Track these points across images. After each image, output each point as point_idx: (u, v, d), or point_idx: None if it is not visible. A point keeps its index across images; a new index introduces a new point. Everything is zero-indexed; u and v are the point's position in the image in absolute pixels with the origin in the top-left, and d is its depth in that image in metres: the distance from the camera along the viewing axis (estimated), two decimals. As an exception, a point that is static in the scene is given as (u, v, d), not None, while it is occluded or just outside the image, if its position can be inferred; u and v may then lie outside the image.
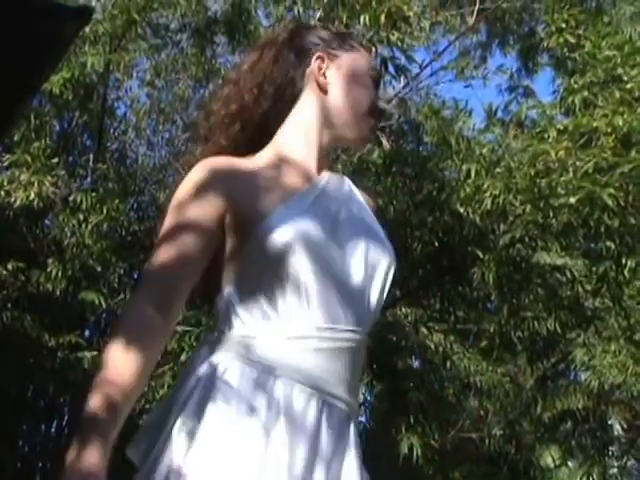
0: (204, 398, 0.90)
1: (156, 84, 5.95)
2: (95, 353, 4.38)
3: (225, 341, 0.94)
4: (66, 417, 5.07)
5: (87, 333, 5.06)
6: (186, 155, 1.10)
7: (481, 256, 4.36)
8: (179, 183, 0.99)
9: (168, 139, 6.12)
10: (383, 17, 4.08)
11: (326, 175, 1.04)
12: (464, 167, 4.48)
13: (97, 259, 4.41)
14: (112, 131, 5.85)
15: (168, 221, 0.96)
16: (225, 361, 0.92)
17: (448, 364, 4.94)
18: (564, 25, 4.49)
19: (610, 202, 3.58)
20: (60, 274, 4.29)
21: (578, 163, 3.79)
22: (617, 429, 7.17)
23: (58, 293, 4.35)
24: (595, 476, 6.49)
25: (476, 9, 5.15)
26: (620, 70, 4.08)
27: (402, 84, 4.90)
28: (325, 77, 1.05)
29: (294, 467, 0.87)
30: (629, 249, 4.19)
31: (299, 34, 1.09)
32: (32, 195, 4.16)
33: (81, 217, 4.45)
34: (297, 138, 1.05)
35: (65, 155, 5.26)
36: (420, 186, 4.67)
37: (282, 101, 1.05)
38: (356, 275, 0.98)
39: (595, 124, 3.83)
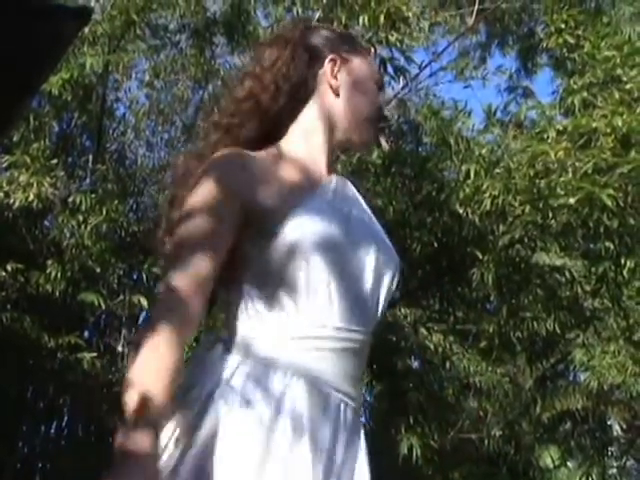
0: (223, 400, 0.89)
1: (155, 85, 5.95)
2: (94, 354, 4.39)
3: (240, 341, 0.94)
4: (65, 418, 5.07)
5: (86, 334, 5.06)
6: (200, 141, 1.08)
7: (480, 257, 4.36)
8: (197, 175, 0.98)
9: (167, 140, 6.12)
10: (382, 18, 4.09)
11: (334, 176, 1.06)
12: (463, 168, 4.48)
13: (96, 260, 4.41)
14: (111, 132, 5.84)
15: (190, 218, 0.94)
16: (242, 362, 0.92)
17: (447, 364, 4.94)
18: (563, 25, 4.49)
19: (609, 203, 3.58)
20: (59, 275, 4.29)
21: (577, 164, 3.79)
22: (616, 429, 7.17)
23: (57, 294, 4.35)
24: (594, 476, 6.50)
25: (475, 9, 5.16)
26: (619, 71, 4.09)
27: (401, 85, 4.91)
28: (337, 80, 1.07)
29: (318, 467, 0.88)
30: (628, 249, 4.20)
31: (312, 34, 1.10)
32: (31, 196, 4.16)
33: (80, 218, 4.44)
34: (309, 138, 1.06)
35: (64, 156, 5.26)
36: (419, 187, 4.67)
37: (294, 100, 1.06)
38: (368, 277, 0.99)
39: (594, 125, 3.84)
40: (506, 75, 6.59)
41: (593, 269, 4.47)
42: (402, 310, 4.47)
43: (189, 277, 0.90)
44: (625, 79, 4.04)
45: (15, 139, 4.52)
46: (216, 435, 0.87)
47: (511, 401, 5.70)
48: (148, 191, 5.64)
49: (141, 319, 5.28)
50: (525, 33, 6.54)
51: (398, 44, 4.27)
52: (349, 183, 1.09)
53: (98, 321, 5.19)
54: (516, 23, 6.59)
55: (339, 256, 0.96)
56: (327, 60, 1.07)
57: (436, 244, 4.62)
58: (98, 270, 4.44)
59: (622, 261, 4.26)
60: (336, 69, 1.07)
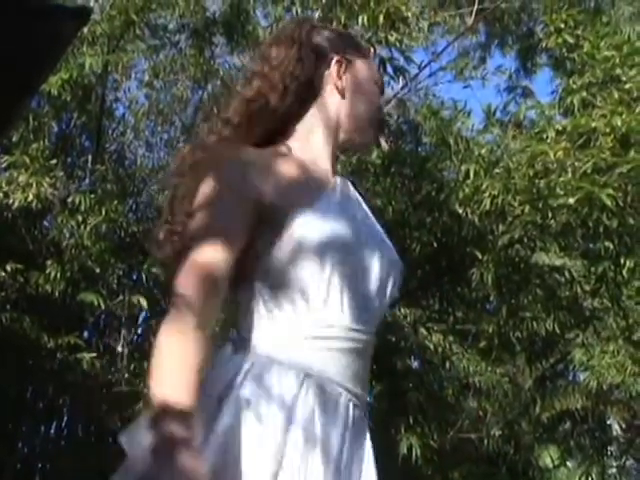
0: (234, 404, 0.89)
1: (154, 85, 5.95)
2: (94, 354, 4.38)
3: (250, 341, 0.94)
4: (65, 418, 5.06)
5: (86, 334, 5.05)
6: (210, 135, 1.06)
7: (480, 257, 4.36)
8: (209, 170, 0.98)
9: (167, 140, 6.12)
10: (381, 18, 4.09)
11: (337, 177, 1.07)
12: (463, 167, 4.48)
13: (96, 260, 4.41)
14: (110, 132, 5.84)
15: (203, 218, 0.94)
16: (253, 363, 0.91)
17: (447, 364, 4.94)
18: (563, 25, 4.49)
19: (609, 202, 3.58)
20: (59, 275, 4.28)
21: (577, 163, 3.79)
22: (616, 429, 7.17)
23: (57, 294, 4.35)
24: (594, 476, 6.50)
25: (475, 9, 5.16)
26: (619, 70, 4.09)
27: (401, 85, 4.91)
28: (342, 81, 1.08)
29: (329, 466, 0.88)
30: (628, 249, 4.20)
31: (318, 35, 1.10)
32: (30, 196, 4.15)
33: (80, 218, 4.44)
34: (315, 138, 1.07)
35: (63, 156, 5.26)
36: (419, 186, 4.67)
37: (300, 100, 1.06)
38: (374, 277, 1.00)
39: (594, 124, 3.84)
40: (505, 75, 6.59)
41: (592, 269, 4.47)
42: (402, 310, 4.47)
43: (205, 277, 0.89)
44: (624, 79, 4.04)
45: (14, 139, 4.52)
46: (228, 443, 0.86)
47: (511, 401, 5.70)
48: (147, 191, 5.64)
49: (141, 319, 5.29)
50: (524, 33, 6.54)
51: (397, 44, 4.27)
52: (350, 184, 1.10)
53: (98, 321, 5.19)
54: (515, 23, 6.59)
55: (348, 257, 0.96)
56: (333, 61, 1.08)
57: (435, 244, 4.62)
58: (97, 270, 4.44)
59: (621, 261, 4.26)
60: (342, 70, 1.08)
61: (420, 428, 4.39)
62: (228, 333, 0.98)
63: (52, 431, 5.07)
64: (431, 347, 4.60)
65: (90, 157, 5.23)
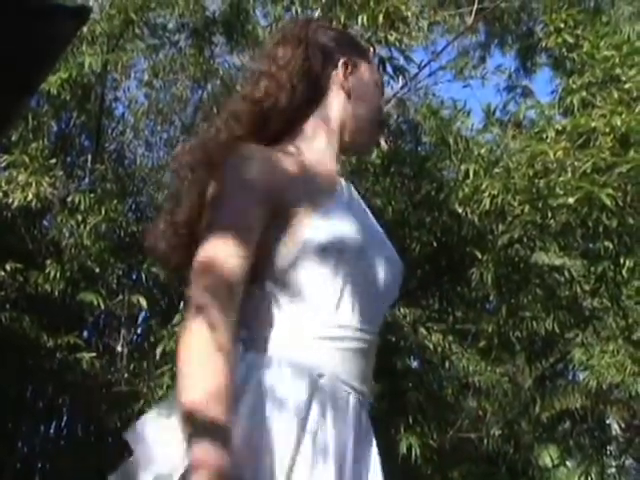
0: (251, 401, 0.88)
1: (154, 84, 5.94)
2: (93, 354, 4.38)
3: (261, 340, 0.93)
4: (65, 418, 5.06)
5: (85, 334, 5.05)
6: (222, 131, 1.04)
7: (480, 256, 4.36)
8: (227, 167, 0.97)
9: (166, 140, 6.11)
10: (381, 17, 4.08)
11: (342, 178, 1.08)
12: (462, 167, 4.48)
13: (95, 260, 4.40)
14: (110, 132, 5.83)
15: (218, 213, 0.93)
16: (264, 363, 0.91)
17: (447, 364, 4.94)
18: (562, 25, 4.49)
19: (608, 202, 3.58)
20: (58, 275, 4.28)
21: (576, 163, 3.79)
22: (615, 429, 7.18)
23: (56, 294, 4.34)
24: (593, 475, 6.50)
25: (474, 9, 5.15)
26: (618, 70, 4.09)
27: (400, 84, 4.90)
28: (348, 83, 1.09)
29: (344, 466, 0.89)
30: (627, 249, 4.20)
31: (325, 35, 1.11)
32: (30, 196, 4.15)
33: (79, 218, 4.44)
34: (321, 139, 1.07)
35: (63, 156, 5.25)
36: (418, 186, 4.67)
37: (307, 100, 1.07)
38: (380, 278, 1.01)
39: (593, 124, 3.84)
40: (505, 74, 6.58)
41: (592, 269, 4.48)
42: (401, 310, 4.47)
43: (224, 282, 0.88)
44: (624, 79, 4.04)
45: (14, 139, 4.52)
46: (243, 443, 0.86)
47: (510, 400, 5.70)
48: (147, 191, 5.64)
49: (140, 319, 5.29)
50: (524, 32, 6.54)
51: (397, 43, 4.26)
52: (351, 185, 1.10)
53: (97, 321, 5.19)
54: (515, 22, 6.59)
55: (358, 258, 0.97)
56: (340, 63, 1.08)
57: (435, 244, 4.62)
58: (97, 270, 4.44)
59: (621, 260, 4.26)
60: (348, 72, 1.09)
61: (420, 428, 4.39)
62: (238, 332, 0.98)
63: (52, 431, 5.08)
64: (431, 347, 4.60)
65: (90, 156, 5.23)
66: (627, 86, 3.97)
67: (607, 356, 5.40)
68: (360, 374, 0.96)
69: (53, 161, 4.49)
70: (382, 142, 4.66)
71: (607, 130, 3.76)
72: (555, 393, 6.37)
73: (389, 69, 4.31)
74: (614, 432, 7.17)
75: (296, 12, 4.63)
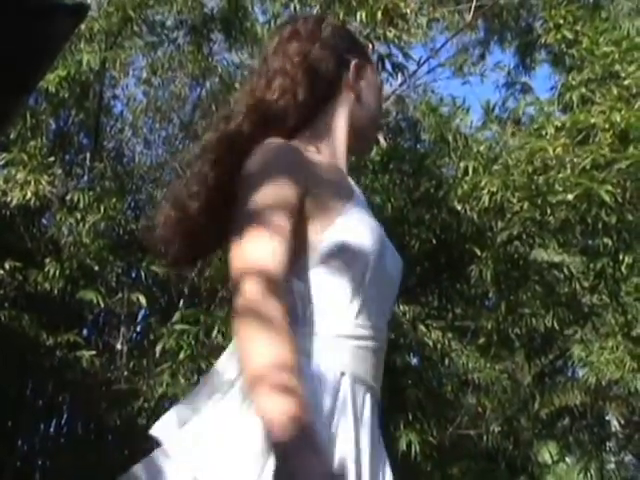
0: None
1: (152, 82, 5.93)
2: (93, 352, 4.38)
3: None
4: (65, 416, 5.06)
5: (85, 332, 5.05)
6: (245, 125, 1.02)
7: (479, 253, 4.36)
8: (259, 160, 0.96)
9: (165, 137, 6.10)
10: (380, 14, 4.07)
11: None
12: (462, 164, 4.48)
13: (95, 258, 4.40)
14: (109, 129, 5.82)
15: (254, 209, 0.92)
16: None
17: (446, 361, 4.94)
18: (562, 21, 4.49)
19: (608, 198, 3.58)
20: (58, 273, 4.28)
21: (575, 160, 3.79)
22: (614, 425, 7.19)
23: (56, 292, 4.34)
24: (592, 472, 6.51)
25: (473, 6, 5.14)
26: (618, 66, 4.08)
27: (399, 81, 4.90)
28: (359, 84, 1.10)
29: (362, 465, 0.90)
30: (626, 245, 4.20)
31: (338, 35, 1.11)
32: (29, 194, 4.14)
33: (78, 216, 4.43)
34: (334, 139, 1.07)
35: (62, 154, 5.24)
36: (417, 183, 4.66)
37: (319, 99, 1.07)
38: (390, 277, 1.03)
39: (593, 120, 3.83)
40: (504, 71, 6.57)
41: (591, 265, 4.48)
42: (401, 307, 4.47)
43: (272, 273, 0.87)
44: (623, 75, 4.04)
45: (12, 137, 4.50)
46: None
47: (510, 397, 5.71)
48: (146, 189, 5.63)
49: (140, 317, 5.29)
50: (523, 29, 6.53)
51: (396, 40, 4.26)
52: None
53: (97, 319, 5.19)
54: (514, 19, 6.57)
55: (379, 258, 0.98)
56: (352, 64, 1.09)
57: (434, 241, 4.62)
58: (96, 268, 4.43)
59: (620, 257, 4.27)
60: (358, 74, 1.10)
61: (419, 424, 4.40)
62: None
63: (52, 429, 5.08)
64: (430, 344, 4.60)
65: (88, 154, 5.22)
66: (626, 82, 3.97)
67: (606, 352, 5.40)
68: (375, 372, 0.97)
69: (52, 159, 4.49)
70: (381, 139, 4.66)
71: (606, 126, 3.76)
72: (554, 390, 6.38)
73: (388, 66, 4.31)
74: (613, 428, 7.18)
75: (295, 9, 4.61)
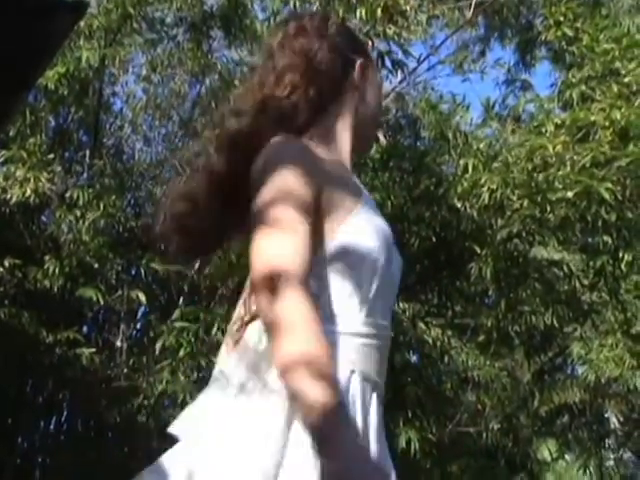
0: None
1: (152, 79, 5.92)
2: (93, 349, 4.38)
3: None
4: (65, 413, 5.07)
5: (85, 329, 5.05)
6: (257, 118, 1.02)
7: (478, 251, 4.36)
8: (268, 157, 0.95)
9: (165, 135, 6.10)
10: (379, 11, 4.07)
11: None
12: (461, 162, 4.47)
13: (94, 255, 4.40)
14: (108, 127, 5.82)
15: (274, 206, 0.91)
16: None
17: (446, 359, 4.94)
18: (562, 18, 4.48)
19: (607, 196, 3.58)
20: (57, 270, 4.27)
21: (575, 157, 3.79)
22: (614, 422, 7.20)
23: (55, 289, 4.34)
24: (592, 469, 6.53)
25: (473, 2, 5.12)
26: (618, 63, 4.08)
27: (399, 78, 4.88)
28: (364, 83, 1.10)
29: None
30: (626, 243, 4.20)
31: (344, 34, 1.12)
32: (28, 191, 4.14)
33: (78, 213, 4.43)
34: (340, 138, 1.07)
35: (61, 151, 5.24)
36: (417, 181, 4.66)
37: (327, 97, 1.07)
38: (395, 275, 1.03)
39: (593, 118, 3.83)
40: (504, 68, 6.56)
41: (591, 263, 4.48)
42: (400, 304, 4.47)
43: (297, 269, 0.87)
44: (624, 72, 4.03)
45: (11, 134, 4.50)
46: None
47: (509, 395, 5.71)
48: (146, 186, 5.62)
49: (139, 314, 5.29)
50: (523, 26, 6.51)
51: (396, 37, 4.25)
52: None
53: (96, 316, 5.19)
54: (514, 16, 6.56)
55: (384, 259, 0.98)
56: (357, 64, 1.09)
57: (434, 238, 4.62)
58: (96, 265, 4.43)
59: (620, 255, 4.27)
60: (363, 73, 1.10)
61: (419, 422, 4.40)
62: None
63: (52, 426, 5.08)
64: (430, 341, 4.61)
65: (88, 152, 5.21)
66: (627, 80, 3.96)
67: (606, 350, 5.41)
68: (380, 369, 0.98)
69: (51, 156, 4.48)
70: (381, 137, 4.65)
71: (606, 124, 3.76)
72: (554, 387, 6.38)
73: (388, 63, 4.30)
74: (612, 426, 7.19)
75: (294, 6, 4.60)
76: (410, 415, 4.42)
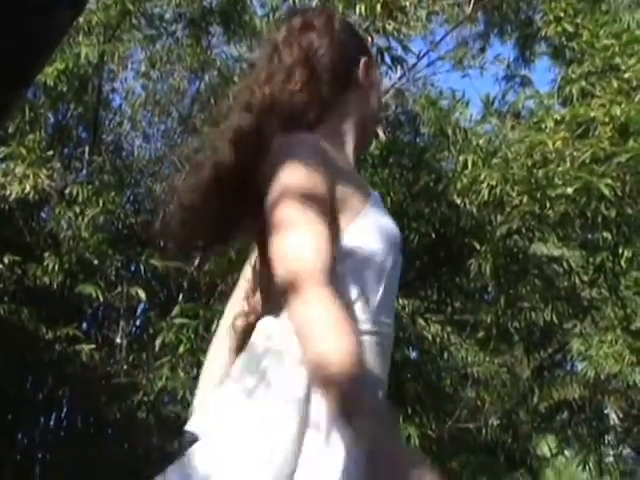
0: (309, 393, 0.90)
1: (151, 75, 5.91)
2: (93, 346, 4.39)
3: None
4: (64, 409, 5.08)
5: (84, 326, 5.06)
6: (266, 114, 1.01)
7: (478, 247, 4.36)
8: (283, 154, 0.94)
9: (164, 131, 6.09)
10: (379, 7, 4.06)
11: None
12: (461, 158, 4.47)
13: (94, 252, 4.40)
14: (107, 123, 5.81)
15: (291, 202, 0.89)
16: None
17: (445, 355, 4.95)
18: (562, 14, 4.47)
19: (607, 192, 3.58)
20: (57, 267, 4.28)
21: (575, 153, 3.79)
22: (613, 418, 7.21)
23: (55, 286, 4.34)
24: (591, 465, 6.53)
25: (473, -2, 5.11)
26: (618, 59, 4.07)
27: (398, 75, 4.87)
28: (367, 81, 1.10)
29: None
30: (626, 239, 4.20)
31: (348, 31, 1.11)
32: (27, 188, 4.14)
33: (77, 210, 4.43)
34: (345, 136, 1.07)
35: (60, 147, 5.23)
36: (417, 177, 4.66)
37: (333, 95, 1.06)
38: (399, 274, 1.03)
39: (592, 114, 3.83)
40: (504, 64, 6.55)
41: (591, 259, 4.48)
42: (400, 301, 4.47)
43: (324, 265, 0.86)
44: (624, 68, 4.03)
45: (10, 130, 4.49)
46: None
47: (509, 391, 5.72)
48: (145, 182, 5.62)
49: (139, 311, 5.29)
50: (523, 21, 6.49)
51: (395, 33, 4.24)
52: None
53: (96, 313, 5.19)
54: (514, 11, 6.53)
55: (391, 260, 0.98)
56: (362, 61, 1.09)
57: (434, 235, 4.62)
58: (95, 262, 4.44)
59: (620, 251, 4.27)
60: (367, 71, 1.10)
61: (418, 418, 4.41)
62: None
63: (51, 422, 5.09)
64: (429, 337, 4.61)
65: (87, 148, 5.21)
66: (627, 75, 3.96)
67: (605, 346, 5.41)
68: (385, 366, 0.99)
69: (50, 153, 4.48)
70: (380, 133, 4.65)
71: (606, 120, 3.76)
72: (553, 383, 6.39)
73: (387, 59, 4.29)
74: (612, 422, 7.20)
75: (294, 2, 4.59)
76: (410, 411, 4.43)
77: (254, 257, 1.07)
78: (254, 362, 0.93)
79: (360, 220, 0.95)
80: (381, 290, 0.96)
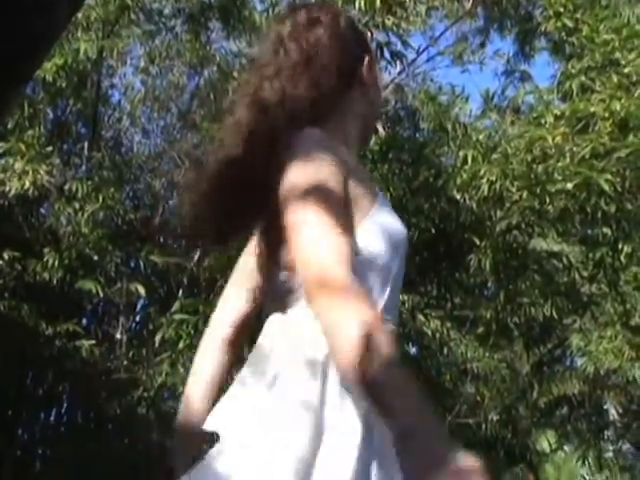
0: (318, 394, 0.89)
1: (150, 71, 5.89)
2: (93, 342, 4.39)
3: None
4: (65, 405, 5.08)
5: (84, 322, 5.06)
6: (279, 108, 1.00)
7: (478, 242, 4.36)
8: (298, 150, 0.93)
9: (163, 127, 6.08)
10: (378, 2, 4.05)
11: None
12: (461, 153, 4.47)
13: (93, 248, 4.40)
14: (107, 119, 5.80)
15: (308, 199, 0.89)
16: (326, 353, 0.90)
17: (445, 350, 4.96)
18: (562, 9, 4.46)
19: (607, 187, 3.58)
20: (57, 263, 4.27)
21: (575, 148, 3.78)
22: (612, 414, 7.22)
23: (55, 282, 4.34)
24: (590, 460, 6.55)
25: (473, -7, 5.10)
26: (618, 54, 4.06)
27: (398, 70, 4.87)
28: (370, 79, 1.10)
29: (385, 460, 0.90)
30: (625, 235, 4.20)
31: (352, 29, 1.11)
32: (27, 184, 4.13)
33: (77, 206, 4.42)
34: (350, 133, 1.07)
35: (59, 143, 5.22)
36: (417, 172, 4.65)
37: (339, 92, 1.06)
38: (403, 273, 1.03)
39: (592, 109, 3.82)
40: (504, 59, 6.53)
41: (590, 255, 4.48)
42: (399, 296, 4.48)
43: (347, 261, 0.85)
44: (623, 63, 4.02)
45: (10, 126, 4.48)
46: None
47: (508, 386, 5.73)
48: (144, 178, 5.61)
49: (139, 306, 5.29)
50: (523, 17, 6.47)
51: (395, 28, 4.24)
52: None
53: (96, 309, 5.19)
54: (514, 7, 6.52)
55: (397, 261, 0.99)
56: (366, 60, 1.09)
57: (434, 230, 4.62)
58: (95, 258, 4.43)
59: (619, 246, 4.27)
60: (370, 69, 1.09)
61: (418, 413, 4.41)
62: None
63: (52, 418, 5.10)
64: (429, 333, 4.62)
65: (86, 144, 5.20)
66: (626, 70, 3.95)
67: (605, 342, 5.42)
68: None
69: (50, 149, 4.47)
70: (380, 128, 4.64)
71: (606, 115, 3.75)
72: (553, 379, 6.40)
73: (387, 54, 4.28)
74: (611, 417, 7.21)
75: (293, -3, 4.58)
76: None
77: (254, 246, 1.05)
78: (263, 364, 0.92)
79: (368, 222, 0.95)
80: (387, 292, 0.96)
